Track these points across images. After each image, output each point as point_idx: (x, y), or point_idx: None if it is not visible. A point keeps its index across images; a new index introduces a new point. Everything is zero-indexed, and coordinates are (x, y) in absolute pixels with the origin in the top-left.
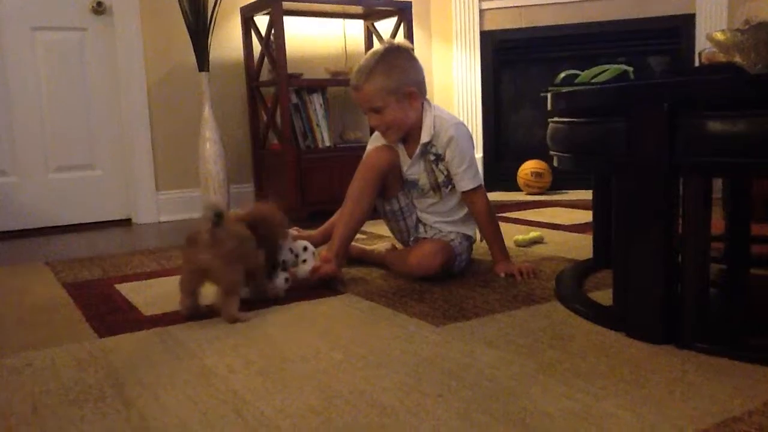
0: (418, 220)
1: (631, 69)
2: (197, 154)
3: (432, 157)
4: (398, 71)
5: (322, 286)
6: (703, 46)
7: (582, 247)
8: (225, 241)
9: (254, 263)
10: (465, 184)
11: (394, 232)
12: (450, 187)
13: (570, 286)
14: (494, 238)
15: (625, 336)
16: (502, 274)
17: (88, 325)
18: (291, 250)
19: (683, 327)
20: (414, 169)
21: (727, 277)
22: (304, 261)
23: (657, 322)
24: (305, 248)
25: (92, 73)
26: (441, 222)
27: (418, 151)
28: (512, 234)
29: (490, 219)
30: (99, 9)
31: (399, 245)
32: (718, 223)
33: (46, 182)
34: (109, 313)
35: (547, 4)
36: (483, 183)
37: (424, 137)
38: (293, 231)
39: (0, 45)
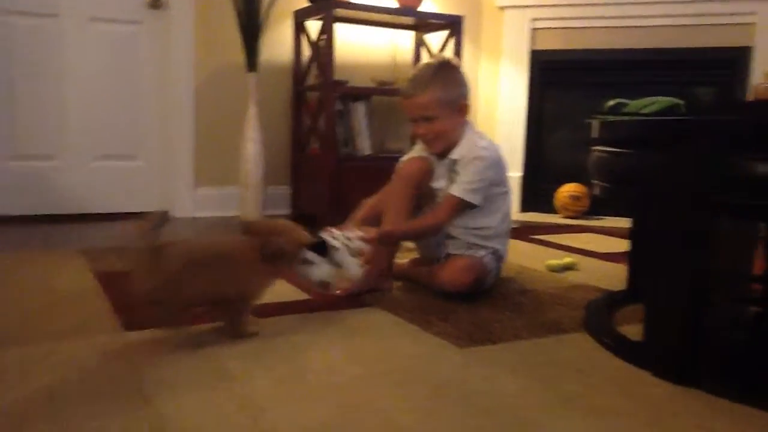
0: (447, 234)
1: (682, 102)
2: (238, 152)
3: (454, 175)
4: (454, 85)
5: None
6: (759, 80)
7: (614, 276)
8: (170, 262)
9: (224, 291)
10: (454, 189)
11: (421, 247)
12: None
13: (599, 317)
14: (408, 225)
15: (650, 375)
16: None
17: (116, 317)
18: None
19: (709, 370)
20: (440, 182)
21: (760, 321)
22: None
23: (682, 363)
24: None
25: (143, 66)
26: (468, 234)
27: (445, 162)
28: (545, 258)
29: (428, 221)
30: (156, 4)
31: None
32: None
33: (89, 169)
34: (137, 307)
35: (600, 27)
36: (468, 205)
37: (455, 155)
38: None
39: (59, 32)
